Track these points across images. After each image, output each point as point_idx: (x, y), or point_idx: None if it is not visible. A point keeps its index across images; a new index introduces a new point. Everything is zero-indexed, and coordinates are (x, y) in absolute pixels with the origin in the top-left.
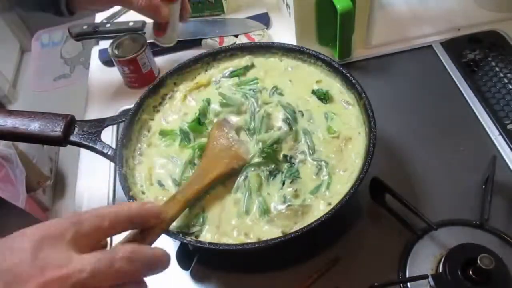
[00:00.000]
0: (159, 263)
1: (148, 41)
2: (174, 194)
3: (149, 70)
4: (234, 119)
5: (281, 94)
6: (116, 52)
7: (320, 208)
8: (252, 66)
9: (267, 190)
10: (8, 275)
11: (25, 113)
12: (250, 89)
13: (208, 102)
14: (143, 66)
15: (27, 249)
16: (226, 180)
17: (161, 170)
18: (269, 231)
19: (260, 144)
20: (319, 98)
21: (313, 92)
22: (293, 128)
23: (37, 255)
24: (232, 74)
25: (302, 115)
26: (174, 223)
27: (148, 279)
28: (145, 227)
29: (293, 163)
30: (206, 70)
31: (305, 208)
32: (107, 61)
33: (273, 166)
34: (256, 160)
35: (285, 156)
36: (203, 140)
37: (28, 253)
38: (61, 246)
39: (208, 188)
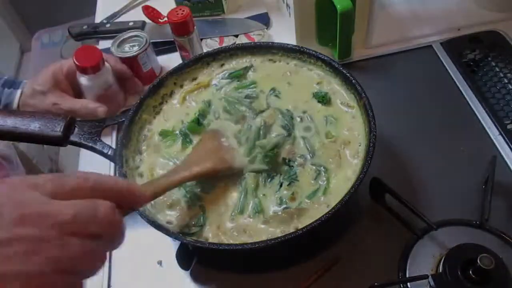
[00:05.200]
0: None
1: (151, 40)
2: (158, 178)
3: (150, 69)
4: (232, 126)
5: (278, 96)
6: (118, 50)
7: (316, 212)
8: (251, 67)
9: (263, 192)
10: None
11: (25, 113)
12: (247, 94)
13: (209, 103)
14: (144, 65)
15: (3, 189)
16: (226, 180)
17: (162, 170)
18: (269, 232)
19: (259, 148)
20: (319, 101)
21: (314, 95)
22: (292, 134)
23: (15, 194)
24: (232, 75)
25: (301, 119)
26: (175, 223)
27: (148, 279)
28: (122, 204)
29: (292, 166)
30: (206, 70)
31: (301, 211)
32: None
33: (270, 167)
34: (257, 165)
35: (284, 159)
36: None
37: (5, 192)
38: (41, 193)
39: (189, 180)
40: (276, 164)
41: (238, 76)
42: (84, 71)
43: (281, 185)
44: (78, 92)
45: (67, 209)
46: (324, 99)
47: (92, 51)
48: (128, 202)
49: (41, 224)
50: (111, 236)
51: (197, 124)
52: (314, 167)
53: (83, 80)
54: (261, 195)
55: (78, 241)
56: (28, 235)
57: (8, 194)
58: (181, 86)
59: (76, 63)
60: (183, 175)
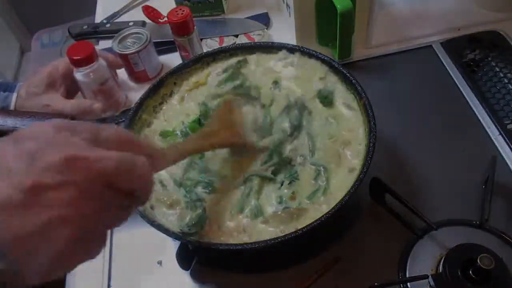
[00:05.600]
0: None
1: (153, 41)
2: (175, 143)
3: (142, 70)
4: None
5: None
6: (119, 46)
7: (316, 212)
8: (245, 61)
9: (265, 191)
10: (30, 145)
11: (25, 113)
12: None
13: (206, 105)
14: (135, 66)
15: (48, 130)
16: (227, 180)
17: (163, 170)
18: (269, 232)
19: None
20: (321, 102)
21: (317, 94)
22: (295, 132)
23: (59, 137)
24: (226, 76)
25: (310, 113)
26: (176, 223)
27: (148, 279)
28: (149, 159)
29: (293, 165)
30: (206, 70)
31: (301, 211)
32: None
33: (276, 167)
34: (263, 171)
35: (286, 157)
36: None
37: (50, 133)
38: (81, 139)
39: (205, 150)
40: (280, 162)
41: (233, 70)
42: (78, 64)
43: (282, 184)
44: (74, 91)
45: (109, 157)
46: (326, 99)
47: (84, 45)
48: (155, 162)
49: (85, 171)
50: (143, 192)
51: (198, 124)
52: (314, 167)
53: (79, 75)
54: (263, 195)
55: (114, 194)
56: (73, 181)
57: (54, 136)
58: (181, 86)
59: (70, 57)
60: (201, 144)
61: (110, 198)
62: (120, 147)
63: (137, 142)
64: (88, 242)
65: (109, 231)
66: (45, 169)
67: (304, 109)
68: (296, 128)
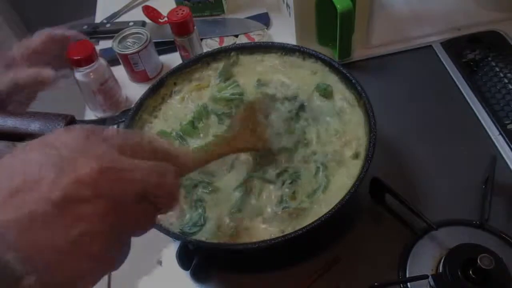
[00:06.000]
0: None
1: (153, 41)
2: (202, 147)
3: (142, 70)
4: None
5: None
6: (119, 46)
7: (316, 212)
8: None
9: (266, 191)
10: (57, 159)
11: (25, 113)
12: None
13: (205, 107)
14: (135, 66)
15: (77, 136)
16: (228, 180)
17: None
18: (269, 231)
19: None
20: (321, 95)
21: (316, 87)
22: (296, 129)
23: (89, 145)
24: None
25: (310, 110)
26: (175, 223)
27: (148, 279)
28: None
29: (294, 165)
30: (204, 71)
31: (301, 211)
32: (108, 61)
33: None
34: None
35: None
36: (198, 142)
37: (79, 140)
38: (111, 147)
39: (230, 154)
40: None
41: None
42: (78, 64)
43: (283, 183)
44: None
45: (141, 168)
46: (326, 92)
47: (84, 45)
48: (183, 168)
49: (117, 183)
50: (170, 200)
51: (192, 127)
52: (314, 166)
53: (79, 75)
54: (263, 195)
55: (145, 205)
56: (105, 193)
57: (83, 143)
58: (181, 86)
59: (70, 57)
60: (226, 149)
61: (141, 209)
62: (146, 155)
63: (164, 148)
64: (114, 255)
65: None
66: (76, 181)
67: (304, 108)
68: (296, 125)
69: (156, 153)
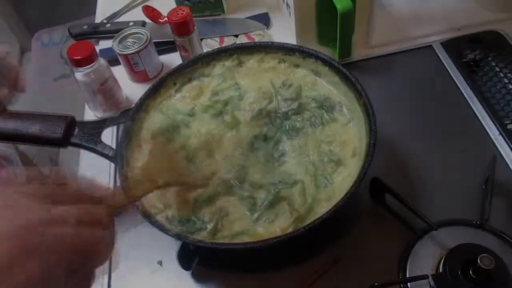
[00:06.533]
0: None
1: (153, 41)
2: (120, 188)
3: (142, 70)
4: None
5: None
6: (119, 46)
7: (316, 211)
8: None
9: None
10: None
11: (25, 114)
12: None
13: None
14: (135, 66)
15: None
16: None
17: None
18: (270, 231)
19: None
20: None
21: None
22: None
23: (6, 198)
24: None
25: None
26: (176, 224)
27: (148, 279)
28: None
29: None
30: (203, 76)
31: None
32: (108, 61)
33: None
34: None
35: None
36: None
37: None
38: (28, 196)
39: (153, 191)
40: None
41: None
42: (78, 64)
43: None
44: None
45: (71, 212)
46: (323, 105)
47: (84, 45)
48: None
49: (42, 237)
50: (108, 245)
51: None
52: (313, 168)
53: (79, 75)
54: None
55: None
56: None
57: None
58: (181, 87)
59: (70, 57)
60: (148, 187)
61: (74, 266)
62: (71, 198)
63: (89, 191)
64: None
65: None
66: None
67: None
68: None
69: (81, 196)
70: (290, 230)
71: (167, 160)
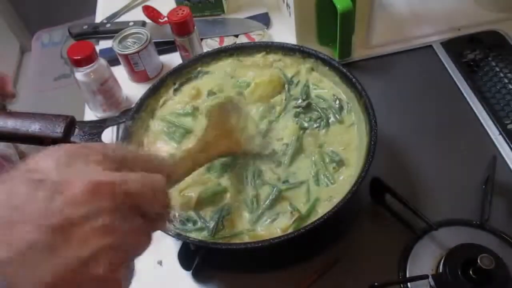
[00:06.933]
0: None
1: (153, 41)
2: (183, 156)
3: (142, 70)
4: None
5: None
6: (119, 46)
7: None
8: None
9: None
10: (46, 184)
11: (25, 114)
12: None
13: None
14: (135, 66)
15: (60, 158)
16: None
17: None
18: (270, 231)
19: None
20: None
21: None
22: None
23: (71, 167)
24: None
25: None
26: (176, 224)
27: (148, 279)
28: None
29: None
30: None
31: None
32: (108, 61)
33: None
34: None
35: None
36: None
37: (63, 161)
38: (96, 164)
39: (208, 162)
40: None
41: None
42: (78, 64)
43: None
44: None
45: (133, 179)
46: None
47: (84, 45)
48: (169, 179)
49: (111, 196)
50: (164, 211)
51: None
52: (315, 168)
53: (79, 75)
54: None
55: (142, 219)
56: (101, 208)
57: (68, 164)
58: (181, 87)
59: (70, 57)
60: (208, 156)
61: (137, 222)
62: (133, 167)
63: (149, 160)
64: (121, 278)
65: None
66: (69, 204)
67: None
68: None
69: (141, 165)
70: (290, 230)
71: (227, 126)
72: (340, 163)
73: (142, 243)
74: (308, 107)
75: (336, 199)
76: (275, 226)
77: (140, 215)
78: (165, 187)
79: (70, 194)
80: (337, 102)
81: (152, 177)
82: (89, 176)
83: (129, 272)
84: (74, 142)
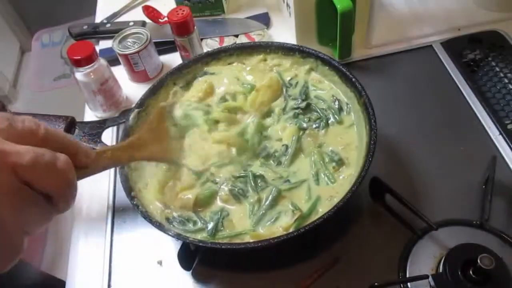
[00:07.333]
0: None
1: (153, 41)
2: (105, 149)
3: (142, 70)
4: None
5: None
6: (119, 46)
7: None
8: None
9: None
10: None
11: (25, 114)
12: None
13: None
14: (135, 66)
15: None
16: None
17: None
18: (271, 231)
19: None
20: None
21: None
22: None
23: None
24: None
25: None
26: (176, 224)
27: (148, 279)
28: (73, 161)
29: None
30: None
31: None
32: (108, 61)
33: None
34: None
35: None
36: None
37: None
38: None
39: (133, 161)
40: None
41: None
42: (78, 64)
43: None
44: None
45: (25, 151)
46: (331, 107)
47: (84, 45)
48: (79, 165)
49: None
50: (62, 195)
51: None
52: (316, 168)
53: (79, 75)
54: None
55: (32, 193)
56: None
57: None
58: (181, 87)
59: (70, 57)
60: (131, 157)
61: (28, 197)
62: (36, 142)
63: (57, 137)
64: (2, 248)
65: (26, 240)
66: None
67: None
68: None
69: (49, 141)
70: (292, 229)
71: (161, 133)
72: (340, 163)
73: (31, 222)
74: (307, 108)
75: (337, 198)
76: (276, 225)
77: (37, 192)
78: (68, 169)
79: None
80: (337, 103)
81: (53, 155)
82: None
83: (13, 247)
84: None
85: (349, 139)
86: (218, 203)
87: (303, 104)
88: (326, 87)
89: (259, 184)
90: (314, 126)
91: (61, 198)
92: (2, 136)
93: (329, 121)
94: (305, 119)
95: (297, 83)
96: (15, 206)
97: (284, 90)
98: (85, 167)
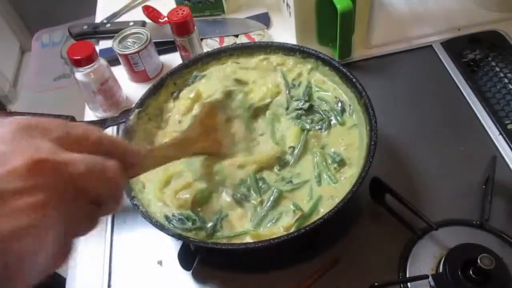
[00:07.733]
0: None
1: (153, 40)
2: (154, 148)
3: (142, 70)
4: None
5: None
6: (119, 46)
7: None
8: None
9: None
10: None
11: (25, 114)
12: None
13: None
14: (135, 66)
15: (6, 133)
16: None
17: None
18: (272, 231)
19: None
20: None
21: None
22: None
23: (21, 140)
24: None
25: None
26: (175, 223)
27: (148, 279)
28: (122, 163)
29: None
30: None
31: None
32: (108, 61)
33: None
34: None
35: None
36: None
37: (14, 133)
38: (48, 140)
39: (184, 157)
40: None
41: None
42: (78, 64)
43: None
44: None
45: (79, 160)
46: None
47: (84, 45)
48: (129, 165)
49: (52, 175)
50: (112, 199)
51: None
52: (318, 168)
53: (79, 75)
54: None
55: (85, 201)
56: (40, 186)
57: (19, 136)
58: (181, 87)
59: (70, 57)
60: (181, 152)
61: (80, 205)
62: (90, 149)
63: (110, 143)
64: (55, 253)
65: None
66: (8, 175)
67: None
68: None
69: (101, 146)
70: (293, 229)
71: (212, 128)
72: (342, 163)
73: (84, 225)
74: (310, 109)
75: (338, 198)
76: (277, 225)
77: (88, 199)
78: (118, 175)
79: (9, 166)
80: (339, 104)
81: (104, 163)
82: (36, 151)
83: (66, 250)
84: None
85: (351, 140)
86: (219, 205)
87: (306, 106)
88: (330, 88)
89: (262, 187)
90: (316, 127)
91: (110, 201)
92: (58, 144)
93: (331, 123)
94: (308, 120)
95: (300, 83)
96: (67, 216)
97: (287, 90)
98: (132, 167)
